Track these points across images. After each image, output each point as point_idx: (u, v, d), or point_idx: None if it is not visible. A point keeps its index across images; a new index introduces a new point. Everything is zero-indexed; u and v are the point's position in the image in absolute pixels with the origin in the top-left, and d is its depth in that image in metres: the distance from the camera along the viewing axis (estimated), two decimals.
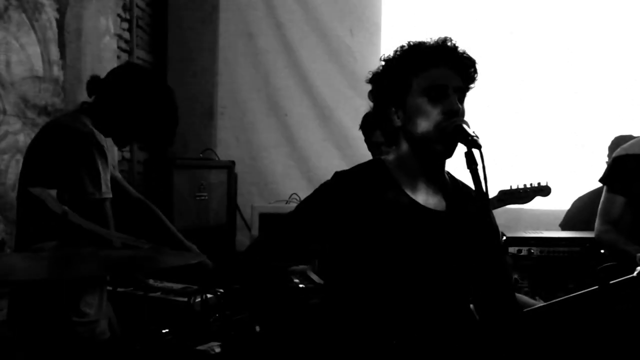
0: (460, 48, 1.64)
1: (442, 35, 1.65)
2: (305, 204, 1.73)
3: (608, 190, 2.77)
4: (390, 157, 1.72)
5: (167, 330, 2.59)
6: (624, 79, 4.44)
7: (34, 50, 3.24)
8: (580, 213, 3.95)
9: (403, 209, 1.64)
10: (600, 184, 2.86)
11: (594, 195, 3.57)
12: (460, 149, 1.57)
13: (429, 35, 1.66)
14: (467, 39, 1.67)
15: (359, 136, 2.99)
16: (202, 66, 4.68)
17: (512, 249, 3.25)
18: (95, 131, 2.27)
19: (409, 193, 1.66)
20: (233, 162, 4.25)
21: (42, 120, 3.17)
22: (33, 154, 2.22)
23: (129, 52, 4.26)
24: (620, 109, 4.41)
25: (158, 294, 2.82)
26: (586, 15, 4.47)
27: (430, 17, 4.52)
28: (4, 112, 3.05)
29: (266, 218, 3.98)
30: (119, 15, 4.12)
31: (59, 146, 2.16)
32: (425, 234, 1.64)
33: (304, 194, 1.98)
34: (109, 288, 2.41)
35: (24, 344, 2.18)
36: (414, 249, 1.62)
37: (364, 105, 2.13)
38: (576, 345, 2.17)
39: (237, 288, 2.64)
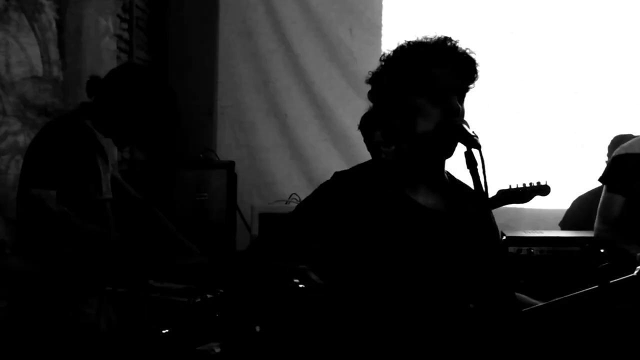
0: (461, 48, 1.64)
1: (442, 35, 1.64)
2: (305, 204, 1.73)
3: (607, 190, 2.77)
4: (390, 157, 1.72)
5: (167, 330, 2.59)
6: (624, 79, 4.44)
7: (34, 50, 3.24)
8: (580, 213, 3.95)
9: (403, 208, 1.64)
10: (600, 184, 2.86)
11: (593, 194, 3.57)
12: (460, 148, 1.57)
13: (429, 35, 1.66)
14: (467, 38, 1.66)
15: (359, 136, 2.99)
16: (202, 66, 4.68)
17: (512, 249, 3.25)
18: (95, 131, 2.28)
19: (409, 193, 1.66)
20: (233, 162, 4.25)
21: (42, 121, 3.17)
22: (33, 155, 2.22)
23: (129, 53, 4.26)
24: (620, 109, 4.41)
25: (158, 294, 2.82)
26: (586, 15, 4.47)
27: (430, 17, 4.51)
28: (4, 112, 3.05)
29: (266, 218, 3.98)
30: (118, 15, 4.12)
31: (59, 147, 2.16)
32: (425, 233, 1.64)
33: (304, 194, 1.99)
34: (109, 288, 2.41)
35: (24, 344, 2.18)
36: (413, 249, 1.62)
37: (364, 105, 2.13)
38: (576, 345, 2.17)
39: (237, 288, 2.65)
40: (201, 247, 2.58)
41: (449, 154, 1.62)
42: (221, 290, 2.90)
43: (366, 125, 2.92)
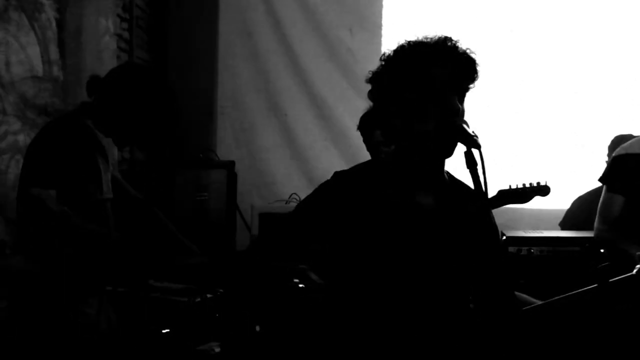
0: (461, 47, 1.63)
1: (443, 35, 1.64)
2: (305, 204, 1.73)
3: (607, 190, 2.77)
4: (390, 156, 1.72)
5: (167, 330, 2.59)
6: (624, 79, 4.45)
7: (34, 50, 3.24)
8: (580, 213, 3.95)
9: (402, 208, 1.64)
10: (600, 184, 2.86)
11: (593, 194, 3.57)
12: (460, 148, 1.57)
13: (429, 34, 1.66)
14: (467, 38, 1.66)
15: (359, 136, 3.00)
16: (202, 66, 4.68)
17: (512, 249, 3.25)
18: (96, 131, 2.28)
19: (409, 193, 1.66)
20: (233, 162, 4.25)
21: (42, 120, 3.17)
22: (33, 154, 2.22)
23: (129, 52, 4.26)
24: (620, 109, 4.41)
25: (158, 294, 2.82)
26: (586, 14, 4.47)
27: (430, 16, 4.52)
28: (4, 112, 3.05)
29: (266, 218, 3.98)
30: (118, 15, 4.12)
31: (59, 146, 2.16)
32: (425, 233, 1.64)
33: (304, 194, 1.98)
34: (109, 288, 2.41)
35: (24, 344, 2.17)
36: (413, 249, 1.62)
37: (364, 105, 2.13)
38: (576, 344, 2.17)
39: (236, 288, 2.65)
40: (201, 247, 2.58)
41: (449, 153, 1.62)
42: (221, 290, 2.90)
43: (366, 125, 2.92)
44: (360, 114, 2.93)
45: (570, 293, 2.08)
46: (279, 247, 1.76)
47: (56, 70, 3.41)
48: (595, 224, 2.79)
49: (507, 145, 4.42)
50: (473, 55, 1.63)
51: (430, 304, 1.64)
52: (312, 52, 4.69)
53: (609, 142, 4.09)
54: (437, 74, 1.59)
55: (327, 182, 1.71)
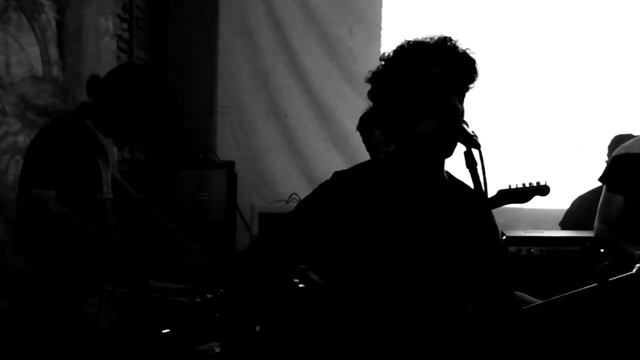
0: (461, 48, 1.64)
1: (442, 35, 1.64)
2: (305, 204, 1.73)
3: (607, 190, 2.77)
4: (390, 156, 1.72)
5: (167, 330, 2.59)
6: (624, 79, 4.44)
7: (34, 50, 3.24)
8: (580, 212, 3.95)
9: (402, 208, 1.64)
10: (600, 183, 2.86)
11: (593, 194, 3.57)
12: (460, 148, 1.57)
13: (429, 34, 1.66)
14: (467, 38, 1.66)
15: (359, 136, 2.99)
16: (202, 66, 4.68)
17: (512, 249, 3.25)
18: (96, 131, 2.28)
19: (409, 193, 1.66)
20: (233, 162, 4.25)
21: (41, 121, 3.17)
22: (33, 155, 2.22)
23: (129, 53, 4.26)
24: (620, 109, 4.41)
25: (158, 294, 2.82)
26: (586, 14, 4.47)
27: (430, 16, 4.52)
28: (4, 112, 3.05)
29: (266, 218, 3.98)
30: (118, 15, 4.12)
31: (59, 147, 2.16)
32: (425, 233, 1.64)
33: (303, 194, 1.98)
34: (109, 288, 2.41)
35: (24, 344, 2.18)
36: (413, 249, 1.62)
37: (364, 105, 2.13)
38: (576, 344, 2.17)
39: (236, 288, 2.65)
40: (201, 247, 2.59)
41: (449, 153, 1.62)
42: (221, 290, 2.90)
43: (365, 125, 2.92)
44: (360, 114, 2.93)
45: (570, 292, 2.08)
46: (279, 247, 1.76)
47: (56, 71, 3.41)
48: (595, 224, 2.79)
49: (507, 145, 4.42)
50: (473, 55, 1.63)
51: (430, 303, 1.64)
52: (312, 52, 4.69)
53: (609, 142, 4.09)
54: (437, 74, 1.59)
55: (326, 182, 1.71)
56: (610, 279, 2.03)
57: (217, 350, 2.76)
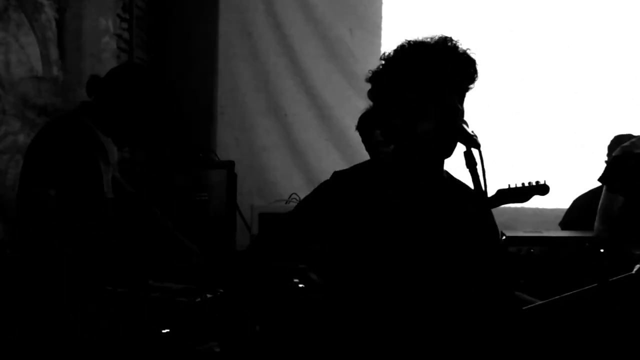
0: (461, 48, 1.64)
1: (443, 35, 1.64)
2: (305, 204, 1.73)
3: (607, 190, 2.77)
4: (390, 156, 1.72)
5: (167, 330, 2.59)
6: (624, 79, 4.45)
7: (34, 50, 3.24)
8: (580, 212, 3.95)
9: (402, 208, 1.64)
10: (600, 183, 2.86)
11: (594, 194, 3.57)
12: (460, 148, 1.57)
13: (429, 34, 1.66)
14: (467, 38, 1.66)
15: (359, 136, 2.99)
16: (202, 66, 4.68)
17: (512, 249, 3.24)
18: (96, 131, 2.28)
19: (408, 193, 1.66)
20: (233, 162, 4.25)
21: (41, 121, 3.17)
22: (33, 154, 2.22)
23: (129, 52, 4.25)
24: (620, 109, 4.41)
25: (158, 294, 2.82)
26: (586, 14, 4.47)
27: (430, 16, 4.52)
28: (4, 112, 3.05)
29: (266, 218, 3.98)
30: (118, 15, 4.12)
31: (59, 146, 2.16)
32: (424, 233, 1.64)
33: (303, 194, 1.98)
34: (109, 288, 2.41)
35: (24, 344, 2.18)
36: (413, 249, 1.62)
37: (364, 105, 2.14)
38: (576, 344, 2.17)
39: (236, 288, 2.64)
40: (201, 247, 2.58)
41: (449, 153, 1.62)
42: (221, 290, 2.90)
43: (364, 125, 2.92)
44: (360, 114, 2.93)
45: (570, 292, 2.08)
46: (278, 246, 1.76)
47: (56, 70, 3.41)
48: (595, 224, 2.79)
49: (507, 145, 4.42)
50: (473, 56, 1.63)
51: (430, 303, 1.64)
52: (312, 52, 4.69)
53: (609, 142, 4.09)
54: (437, 74, 1.59)
55: (326, 182, 1.71)
56: (610, 280, 2.03)
57: (217, 350, 2.75)
